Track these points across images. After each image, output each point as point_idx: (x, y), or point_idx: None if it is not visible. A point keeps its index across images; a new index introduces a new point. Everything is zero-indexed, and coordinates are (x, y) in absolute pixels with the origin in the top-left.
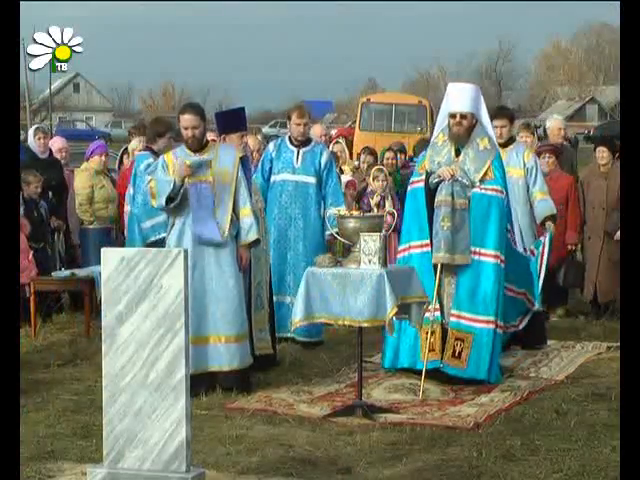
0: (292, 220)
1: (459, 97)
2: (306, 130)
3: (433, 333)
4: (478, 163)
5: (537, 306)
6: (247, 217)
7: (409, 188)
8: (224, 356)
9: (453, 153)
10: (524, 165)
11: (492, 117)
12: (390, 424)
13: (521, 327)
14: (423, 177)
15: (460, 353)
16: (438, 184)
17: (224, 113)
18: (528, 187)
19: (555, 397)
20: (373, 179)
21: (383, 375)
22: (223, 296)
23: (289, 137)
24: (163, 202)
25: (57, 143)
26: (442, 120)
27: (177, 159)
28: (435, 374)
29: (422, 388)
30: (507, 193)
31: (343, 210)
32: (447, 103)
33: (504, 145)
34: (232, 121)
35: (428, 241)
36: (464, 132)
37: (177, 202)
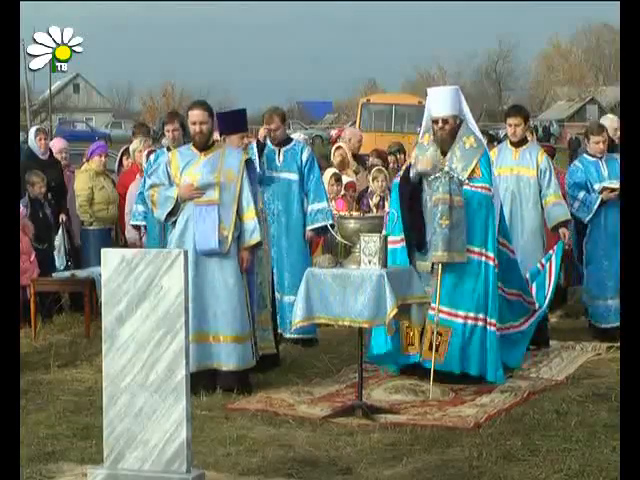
0: (275, 216)
1: (439, 102)
2: (279, 134)
3: (412, 327)
4: (465, 161)
5: (543, 308)
6: (250, 219)
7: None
8: (223, 355)
9: (439, 152)
10: (537, 166)
11: (506, 115)
12: (390, 424)
13: (524, 328)
14: (401, 173)
15: (438, 347)
16: (420, 177)
17: (225, 114)
18: (540, 188)
19: (555, 397)
20: (373, 180)
21: (383, 376)
22: (223, 295)
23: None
24: (162, 218)
25: (58, 144)
26: (426, 123)
27: (181, 165)
28: (435, 375)
29: (431, 389)
30: (494, 191)
31: (333, 207)
32: (429, 108)
33: (517, 144)
34: (233, 122)
35: (402, 237)
36: (448, 135)
37: (176, 218)
